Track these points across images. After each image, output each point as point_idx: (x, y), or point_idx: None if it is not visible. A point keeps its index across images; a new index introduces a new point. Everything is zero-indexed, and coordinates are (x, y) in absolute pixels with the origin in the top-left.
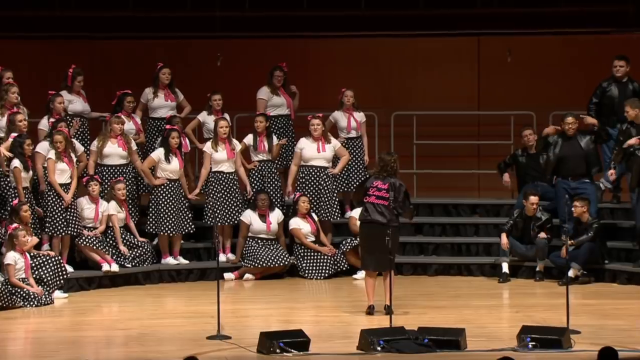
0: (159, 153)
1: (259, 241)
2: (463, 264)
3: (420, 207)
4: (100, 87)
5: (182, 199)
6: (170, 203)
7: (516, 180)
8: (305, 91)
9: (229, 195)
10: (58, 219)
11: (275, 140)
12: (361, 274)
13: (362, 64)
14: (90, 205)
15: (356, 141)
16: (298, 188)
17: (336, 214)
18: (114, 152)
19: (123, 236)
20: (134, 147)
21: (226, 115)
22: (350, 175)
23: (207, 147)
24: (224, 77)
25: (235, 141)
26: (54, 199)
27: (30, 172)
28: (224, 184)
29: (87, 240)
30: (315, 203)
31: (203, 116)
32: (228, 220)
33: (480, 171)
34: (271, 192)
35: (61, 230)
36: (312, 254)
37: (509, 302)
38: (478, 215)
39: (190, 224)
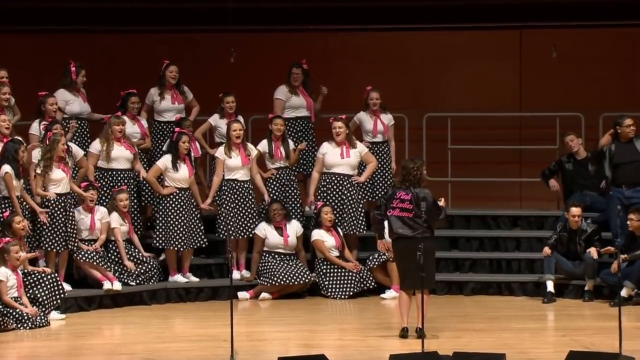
0: (165, 160)
1: (276, 256)
2: (503, 282)
3: (456, 219)
4: (101, 86)
5: (193, 209)
6: (180, 214)
7: (562, 188)
8: (327, 91)
9: (243, 205)
10: (55, 233)
11: (292, 144)
12: (390, 293)
13: (390, 60)
14: (85, 214)
15: (382, 146)
16: (319, 198)
17: (362, 226)
18: (121, 154)
19: (126, 251)
20: (135, 149)
21: (240, 118)
22: (376, 184)
23: (220, 152)
24: (237, 76)
25: (250, 146)
26: (51, 211)
27: (22, 181)
28: (238, 193)
29: (86, 255)
30: (338, 215)
31: (214, 119)
32: (243, 234)
33: (522, 179)
34: (290, 203)
35: (59, 245)
36: (336, 270)
37: (554, 324)
38: (519, 228)
39: (202, 237)
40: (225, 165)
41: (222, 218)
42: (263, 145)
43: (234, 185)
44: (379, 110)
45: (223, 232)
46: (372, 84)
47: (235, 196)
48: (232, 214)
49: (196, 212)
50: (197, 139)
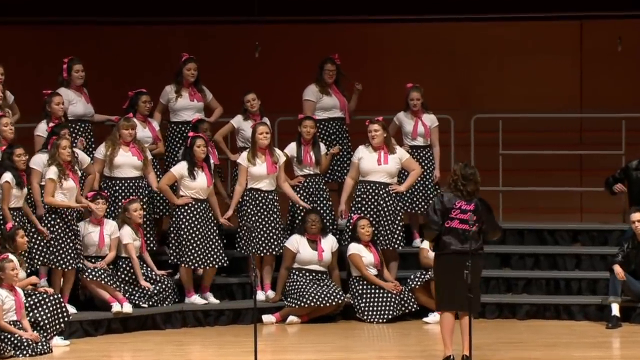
0: (181, 168)
1: (307, 274)
2: (561, 305)
3: (507, 233)
4: (107, 84)
5: (211, 223)
6: (195, 228)
7: (628, 199)
8: (363, 89)
9: (268, 218)
10: (60, 249)
11: (323, 149)
12: (433, 317)
13: (434, 55)
14: (93, 228)
15: (424, 151)
16: (353, 209)
17: (401, 241)
18: (126, 161)
19: (140, 268)
20: (149, 156)
21: (266, 120)
22: (417, 193)
23: (243, 158)
24: (262, 72)
25: (278, 151)
26: (55, 225)
27: (25, 190)
28: (263, 204)
29: (93, 273)
30: (374, 228)
31: (237, 121)
32: (268, 250)
33: (583, 189)
34: (322, 212)
35: (65, 263)
36: (373, 291)
37: (620, 352)
38: (580, 244)
39: (221, 254)
40: (248, 173)
41: (244, 232)
42: (291, 148)
43: (257, 195)
44: (420, 110)
45: (245, 248)
46: (413, 81)
47: (259, 208)
48: (255, 228)
49: (214, 227)
50: (217, 143)
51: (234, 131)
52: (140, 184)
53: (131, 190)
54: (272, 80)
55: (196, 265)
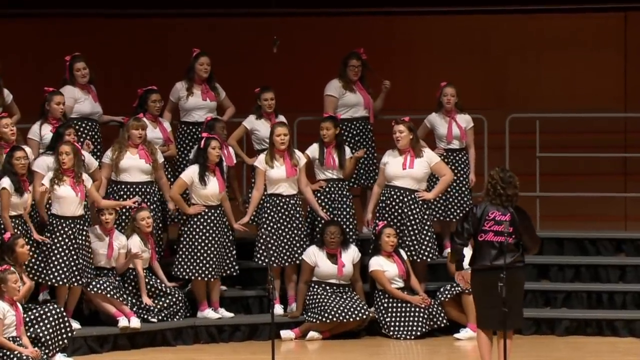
0: (191, 172)
1: (328, 288)
2: (604, 320)
3: (545, 242)
4: (114, 81)
5: (225, 230)
6: (209, 238)
7: None
8: (390, 86)
9: (289, 225)
10: (66, 262)
11: (348, 152)
12: (465, 333)
13: (467, 50)
14: (101, 238)
15: (460, 154)
16: (379, 216)
17: (431, 251)
18: (133, 164)
19: (147, 280)
20: (160, 159)
21: (282, 119)
22: (451, 199)
23: (260, 161)
24: (281, 69)
25: (298, 153)
26: (59, 235)
27: (26, 196)
28: (282, 210)
29: (98, 286)
30: (400, 237)
31: (250, 122)
32: (287, 260)
33: (628, 194)
34: (343, 222)
35: (71, 278)
36: (400, 305)
37: None
38: (624, 254)
39: (232, 263)
40: (266, 177)
41: (262, 241)
42: (313, 149)
43: (277, 201)
44: (454, 110)
45: (263, 258)
46: (445, 78)
47: (279, 214)
48: (274, 236)
49: (228, 234)
50: (231, 147)
51: (248, 133)
52: (149, 190)
53: (135, 196)
54: (291, 77)
55: (210, 277)
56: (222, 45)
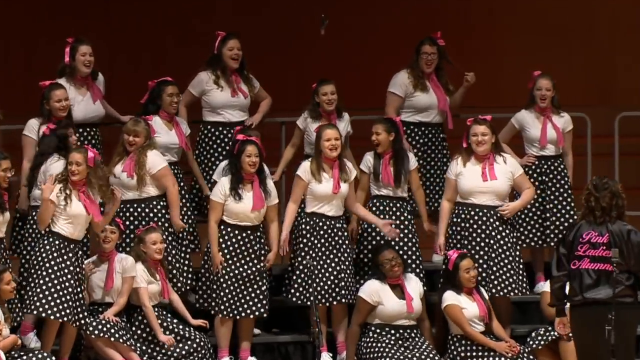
0: (224, 187)
1: (393, 332)
2: None
3: None
4: (121, 73)
5: (255, 259)
6: (236, 267)
7: None
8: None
9: (337, 254)
10: (57, 294)
11: (413, 162)
12: None
13: (565, 35)
14: (99, 265)
15: (555, 162)
16: (450, 242)
17: (519, 286)
18: (114, 180)
19: (160, 320)
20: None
21: (344, 120)
22: (544, 217)
23: (304, 170)
24: (330, 55)
25: (349, 165)
26: (59, 259)
27: (7, 215)
28: (325, 235)
29: (100, 327)
30: (480, 267)
31: (303, 122)
32: (335, 297)
33: None
34: (403, 252)
35: (64, 314)
36: (480, 353)
37: None
38: None
39: (263, 302)
40: (309, 191)
41: (304, 272)
42: (367, 161)
43: (320, 223)
44: (550, 107)
45: (304, 294)
46: (538, 67)
47: (324, 240)
48: (319, 267)
49: (260, 265)
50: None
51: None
52: (158, 206)
53: (145, 214)
54: (342, 66)
55: (234, 314)
56: (253, 26)
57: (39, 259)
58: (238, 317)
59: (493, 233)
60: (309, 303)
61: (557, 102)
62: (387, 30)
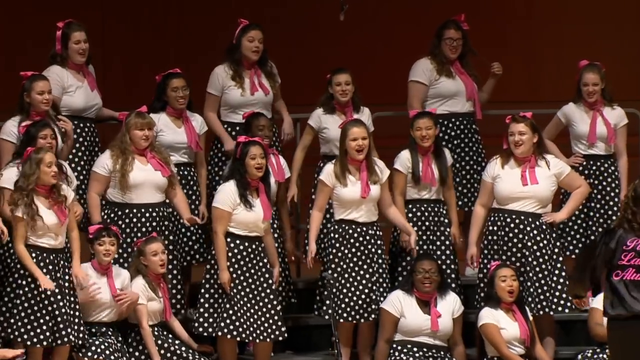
0: (233, 194)
1: (415, 350)
2: None
3: None
4: (119, 64)
5: (266, 274)
6: (247, 283)
7: None
8: (503, 71)
9: (370, 264)
10: (43, 317)
11: (449, 158)
12: None
13: (616, 17)
14: (98, 278)
15: (606, 163)
16: (486, 253)
17: (564, 303)
18: (145, 179)
19: (160, 342)
20: (174, 168)
21: (364, 114)
22: (590, 223)
23: (327, 174)
24: (349, 44)
25: (378, 165)
26: (28, 278)
27: None
28: (356, 244)
29: (93, 349)
30: (519, 281)
31: (317, 118)
32: (364, 314)
33: None
34: (442, 261)
35: (51, 336)
36: None
37: None
38: None
39: (278, 324)
40: (335, 196)
41: (327, 286)
42: (403, 161)
43: (351, 230)
44: (600, 101)
45: (325, 310)
46: (581, 57)
47: (353, 249)
48: (344, 280)
49: (271, 282)
50: (295, 163)
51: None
52: (161, 213)
53: (149, 224)
54: (363, 55)
55: (243, 335)
56: (269, 14)
57: (13, 278)
58: (257, 340)
59: (535, 243)
60: (328, 317)
61: (608, 95)
62: (412, 19)
